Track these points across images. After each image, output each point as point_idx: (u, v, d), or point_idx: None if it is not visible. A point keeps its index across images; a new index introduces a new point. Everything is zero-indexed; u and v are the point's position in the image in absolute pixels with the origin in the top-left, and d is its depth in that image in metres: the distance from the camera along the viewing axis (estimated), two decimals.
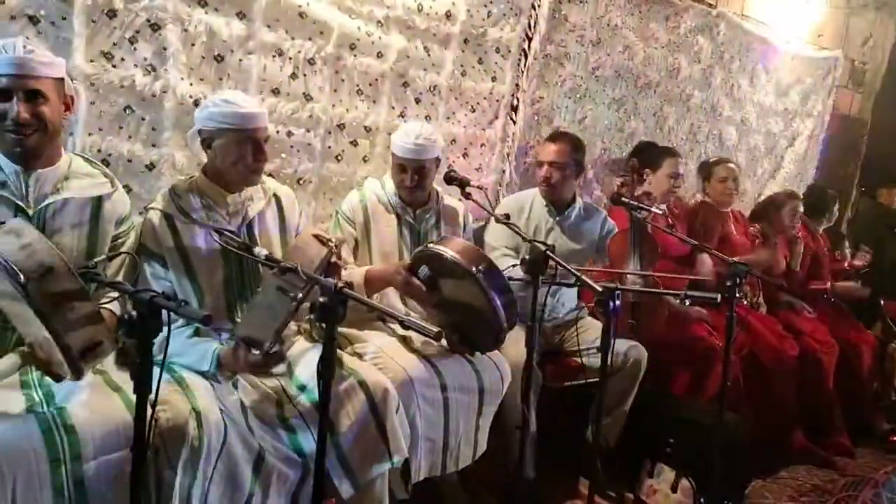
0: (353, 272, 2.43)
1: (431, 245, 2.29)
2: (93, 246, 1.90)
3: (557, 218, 3.07)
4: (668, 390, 3.12)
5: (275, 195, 2.29)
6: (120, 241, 1.99)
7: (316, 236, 2.05)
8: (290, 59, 2.64)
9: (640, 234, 3.01)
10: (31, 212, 1.79)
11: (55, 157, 1.86)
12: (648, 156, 3.54)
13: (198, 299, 2.08)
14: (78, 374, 1.52)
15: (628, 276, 2.95)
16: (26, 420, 1.58)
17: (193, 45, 2.40)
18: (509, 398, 2.52)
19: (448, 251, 2.21)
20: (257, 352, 1.90)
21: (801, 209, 4.04)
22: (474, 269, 2.15)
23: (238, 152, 2.07)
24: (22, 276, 1.38)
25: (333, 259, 2.02)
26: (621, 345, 2.86)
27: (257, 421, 1.95)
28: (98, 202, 1.92)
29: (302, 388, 2.05)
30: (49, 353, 1.52)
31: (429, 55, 3.03)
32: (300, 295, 1.75)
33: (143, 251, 2.04)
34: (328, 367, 1.63)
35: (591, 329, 2.92)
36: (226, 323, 2.11)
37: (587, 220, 3.15)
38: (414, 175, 2.57)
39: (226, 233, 1.98)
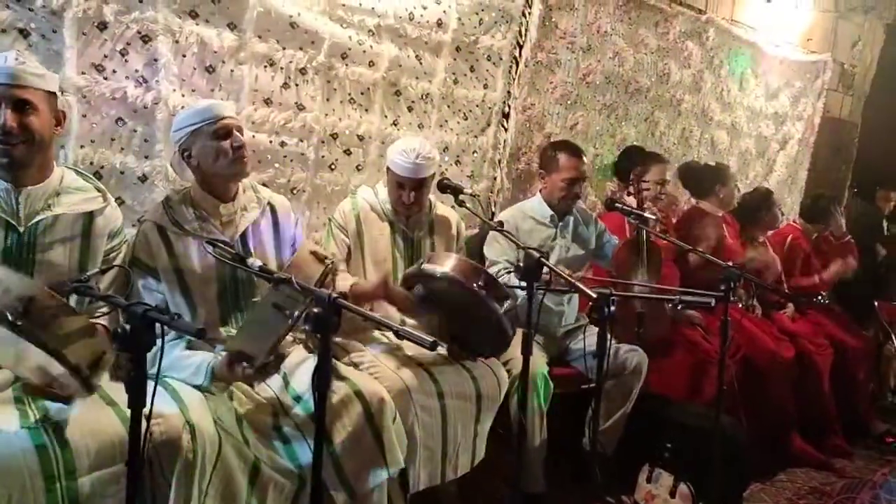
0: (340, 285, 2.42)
1: (424, 266, 2.26)
2: (85, 260, 1.89)
3: (560, 224, 3.08)
4: (665, 395, 3.11)
5: (269, 204, 2.28)
6: (112, 254, 1.97)
7: (313, 253, 2.04)
8: (282, 69, 2.64)
9: (645, 245, 3.02)
10: (21, 229, 1.78)
11: (46, 172, 1.85)
12: (636, 161, 3.55)
13: (191, 311, 2.07)
14: (91, 390, 1.50)
15: (635, 287, 2.95)
16: (20, 436, 1.56)
17: (185, 56, 2.41)
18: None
19: (441, 269, 2.20)
20: (249, 366, 1.89)
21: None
22: (475, 285, 2.14)
23: (215, 146, 2.06)
24: (10, 315, 1.37)
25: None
26: (623, 350, 2.87)
27: (252, 432, 1.93)
28: (90, 217, 1.91)
29: (297, 398, 2.03)
30: (48, 377, 1.51)
31: (420, 63, 3.04)
32: (296, 313, 1.73)
33: (136, 264, 2.03)
34: (324, 378, 1.63)
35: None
36: (220, 335, 2.10)
37: (583, 225, 3.17)
38: (411, 192, 2.56)
39: (220, 245, 1.97)
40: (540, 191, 3.14)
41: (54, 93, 1.84)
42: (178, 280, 2.06)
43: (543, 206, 3.08)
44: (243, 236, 2.17)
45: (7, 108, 1.72)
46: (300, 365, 2.11)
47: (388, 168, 2.61)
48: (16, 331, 1.38)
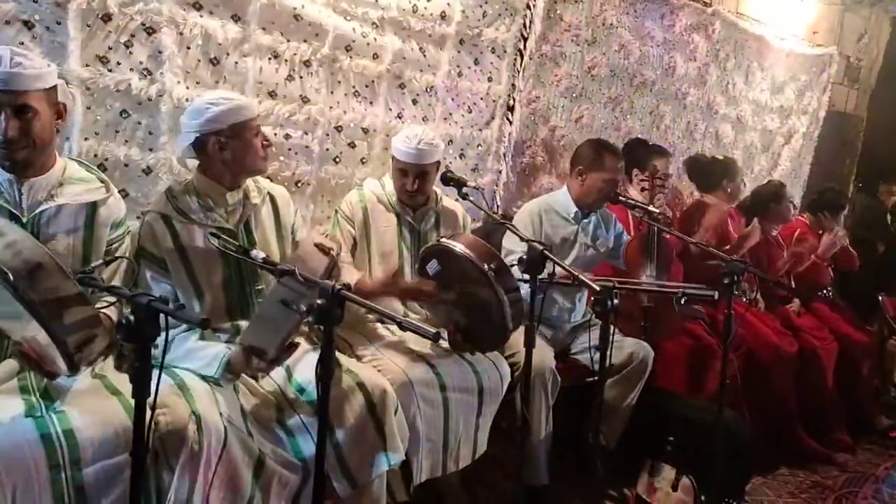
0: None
1: (443, 240, 2.27)
2: (88, 251, 1.89)
3: (583, 221, 3.07)
4: (668, 389, 3.11)
5: (269, 194, 2.29)
6: (115, 245, 1.97)
7: (318, 245, 2.05)
8: (286, 61, 2.64)
9: (655, 241, 3.01)
10: (24, 219, 1.79)
11: (48, 164, 1.84)
12: (637, 154, 3.54)
13: (198, 298, 2.08)
14: (74, 369, 1.50)
15: (643, 282, 2.95)
16: (25, 425, 1.57)
17: (189, 48, 2.40)
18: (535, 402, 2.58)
19: (459, 247, 2.20)
20: (260, 360, 1.89)
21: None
22: (486, 266, 2.14)
23: (251, 141, 2.12)
24: (10, 275, 1.38)
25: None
26: (628, 343, 2.87)
27: (257, 425, 1.94)
28: (93, 207, 1.91)
29: (301, 390, 2.05)
30: (40, 350, 1.51)
31: (424, 56, 3.03)
32: (304, 308, 1.74)
33: (142, 254, 2.04)
34: (326, 370, 1.63)
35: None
36: (225, 323, 2.11)
37: (603, 226, 3.17)
38: (415, 179, 2.57)
39: (223, 236, 1.98)
40: (569, 186, 3.09)
41: (53, 86, 1.81)
42: (184, 267, 2.07)
43: (569, 201, 3.05)
44: (246, 225, 2.18)
45: (8, 115, 1.69)
46: (303, 357, 2.12)
47: (392, 156, 2.61)
48: (11, 291, 1.39)
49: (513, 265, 2.49)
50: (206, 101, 2.10)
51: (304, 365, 2.09)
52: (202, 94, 2.41)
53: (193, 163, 2.20)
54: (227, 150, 2.10)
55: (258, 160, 2.16)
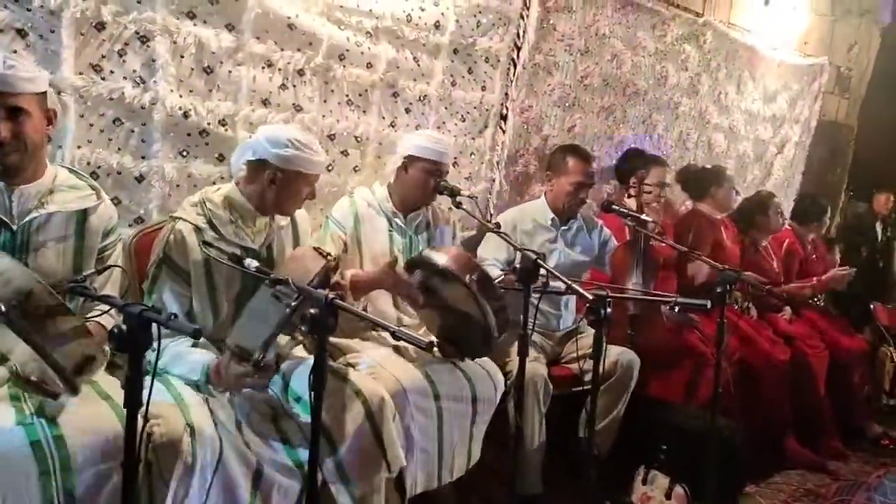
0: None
1: (426, 252, 2.30)
2: (79, 259, 1.88)
3: (563, 228, 3.08)
4: (661, 397, 3.12)
5: (292, 217, 2.31)
6: (107, 253, 1.96)
7: (316, 249, 2.06)
8: (280, 70, 2.64)
9: (642, 248, 3.02)
10: (14, 227, 1.77)
11: (39, 171, 1.83)
12: (636, 164, 3.56)
13: (213, 315, 2.08)
14: (74, 391, 1.51)
15: (629, 290, 2.95)
16: (15, 433, 1.56)
17: (182, 56, 2.40)
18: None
19: (442, 259, 2.22)
20: (246, 363, 1.85)
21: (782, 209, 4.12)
22: (468, 278, 2.15)
23: (301, 191, 2.16)
24: (2, 306, 1.37)
25: (334, 278, 2.03)
26: (614, 351, 2.87)
27: (254, 434, 1.93)
28: (83, 215, 1.89)
29: (297, 399, 2.05)
30: (40, 373, 1.51)
31: (418, 65, 3.04)
32: (294, 303, 1.75)
33: (166, 262, 2.03)
34: (320, 379, 1.63)
35: (590, 336, 2.93)
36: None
37: (587, 231, 3.16)
38: (443, 176, 2.62)
39: (216, 245, 1.97)
40: (545, 193, 3.14)
41: (44, 92, 1.81)
42: (206, 281, 2.06)
43: (546, 208, 3.08)
44: (269, 247, 2.20)
45: (0, 117, 1.69)
46: (299, 366, 2.12)
47: (411, 158, 2.61)
48: (6, 322, 1.38)
49: (506, 275, 2.49)
50: (287, 138, 2.09)
51: (299, 374, 2.09)
52: (195, 103, 2.43)
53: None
54: (276, 186, 2.11)
55: (292, 207, 2.21)
